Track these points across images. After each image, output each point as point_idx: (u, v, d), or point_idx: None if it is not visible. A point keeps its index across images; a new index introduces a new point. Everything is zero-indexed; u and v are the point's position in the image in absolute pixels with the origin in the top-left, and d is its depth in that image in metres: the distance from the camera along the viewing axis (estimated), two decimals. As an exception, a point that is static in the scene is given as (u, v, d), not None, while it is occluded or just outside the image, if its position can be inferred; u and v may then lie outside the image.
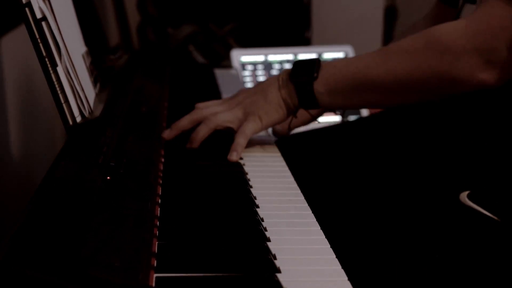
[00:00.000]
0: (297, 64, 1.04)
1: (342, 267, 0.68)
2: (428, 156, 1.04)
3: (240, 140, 1.03)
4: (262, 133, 1.10)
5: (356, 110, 1.69)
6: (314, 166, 1.04)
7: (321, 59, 1.02)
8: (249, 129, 1.03)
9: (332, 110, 1.11)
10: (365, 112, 1.71)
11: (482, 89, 0.93)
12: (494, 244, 0.82)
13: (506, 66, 0.90)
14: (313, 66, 1.01)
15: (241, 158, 1.02)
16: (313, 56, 1.73)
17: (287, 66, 1.71)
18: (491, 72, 0.90)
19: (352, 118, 1.65)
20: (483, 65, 0.90)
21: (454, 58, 0.91)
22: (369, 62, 0.98)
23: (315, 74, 1.00)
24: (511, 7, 0.89)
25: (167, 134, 1.06)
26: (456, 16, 1.13)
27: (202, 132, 1.04)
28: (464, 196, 0.90)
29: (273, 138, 1.13)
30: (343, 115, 1.43)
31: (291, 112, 1.05)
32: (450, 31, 0.93)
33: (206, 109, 1.07)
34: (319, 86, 1.00)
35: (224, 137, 1.10)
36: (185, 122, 1.06)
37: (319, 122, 1.11)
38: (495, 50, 0.89)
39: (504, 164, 0.97)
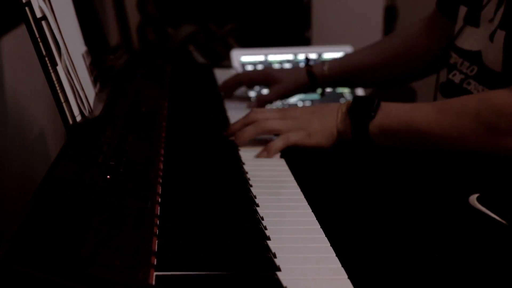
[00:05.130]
0: (357, 100, 1.05)
1: (342, 266, 0.68)
2: (438, 158, 1.04)
3: (279, 142, 1.04)
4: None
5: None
6: (315, 165, 1.04)
7: (379, 100, 1.04)
8: (294, 137, 1.05)
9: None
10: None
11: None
12: (502, 247, 0.82)
13: None
14: (372, 105, 1.02)
15: (241, 157, 1.02)
16: (314, 56, 1.73)
17: (287, 66, 1.71)
18: None
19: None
20: None
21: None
22: (425, 114, 1.00)
23: (373, 114, 1.02)
24: None
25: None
26: (455, 33, 1.10)
27: (248, 133, 1.06)
28: (473, 199, 0.89)
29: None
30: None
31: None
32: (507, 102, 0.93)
33: (261, 113, 1.09)
34: (374, 126, 1.02)
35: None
36: (238, 125, 1.09)
37: None
38: None
39: None
